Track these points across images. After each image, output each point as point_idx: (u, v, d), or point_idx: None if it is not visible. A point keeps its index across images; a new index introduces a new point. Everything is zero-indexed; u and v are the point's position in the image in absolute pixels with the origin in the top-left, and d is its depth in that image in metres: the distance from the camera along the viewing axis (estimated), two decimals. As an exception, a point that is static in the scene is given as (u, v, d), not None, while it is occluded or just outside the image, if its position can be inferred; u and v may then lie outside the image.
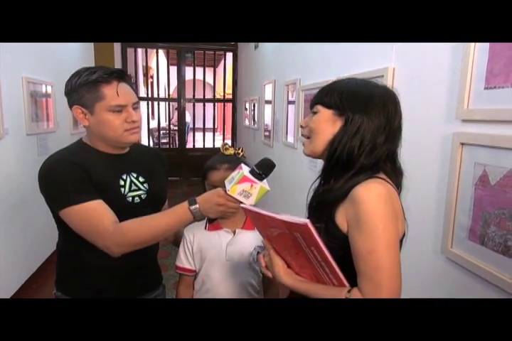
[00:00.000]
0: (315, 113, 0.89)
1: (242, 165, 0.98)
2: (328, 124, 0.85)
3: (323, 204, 0.84)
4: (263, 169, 0.96)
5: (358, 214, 0.75)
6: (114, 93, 1.05)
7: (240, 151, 1.19)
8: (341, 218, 0.80)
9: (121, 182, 1.13)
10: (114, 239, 1.00)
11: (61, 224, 1.10)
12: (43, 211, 1.10)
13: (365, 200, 0.75)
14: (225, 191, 0.96)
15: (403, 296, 1.44)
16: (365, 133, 0.82)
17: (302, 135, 0.93)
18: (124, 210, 1.07)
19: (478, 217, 1.17)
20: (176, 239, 1.36)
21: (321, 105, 0.87)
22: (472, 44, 1.16)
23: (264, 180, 0.97)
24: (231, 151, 1.19)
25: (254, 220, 0.91)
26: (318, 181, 0.92)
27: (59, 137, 3.41)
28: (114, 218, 1.03)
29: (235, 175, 0.96)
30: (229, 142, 7.16)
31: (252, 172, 0.95)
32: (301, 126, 0.93)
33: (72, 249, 1.15)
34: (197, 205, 0.99)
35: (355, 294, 0.75)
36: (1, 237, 2.44)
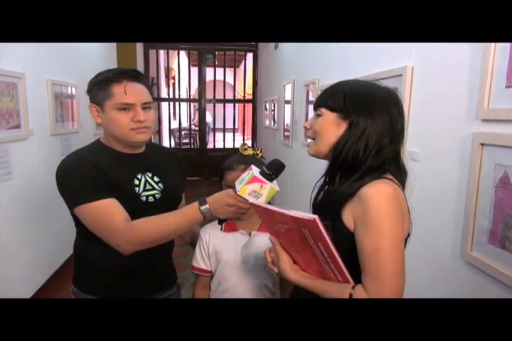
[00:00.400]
0: (319, 115, 0.89)
1: (253, 166, 0.98)
2: (332, 127, 0.86)
3: (331, 203, 0.85)
4: (273, 170, 0.96)
5: (365, 214, 0.77)
6: (122, 91, 1.08)
7: (258, 152, 1.19)
8: (348, 217, 0.81)
9: (136, 182, 1.15)
10: (125, 236, 1.02)
11: (77, 222, 1.13)
12: (66, 210, 1.12)
13: (373, 200, 0.76)
14: (235, 191, 0.96)
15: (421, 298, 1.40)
16: (369, 137, 0.83)
17: (307, 136, 0.94)
18: (138, 209, 1.09)
19: (499, 220, 1.13)
20: (192, 240, 1.37)
21: (325, 108, 0.88)
22: (493, 42, 1.13)
23: (274, 181, 0.97)
24: (250, 152, 1.19)
25: (262, 216, 0.91)
26: (322, 180, 0.93)
27: (82, 137, 3.50)
28: (125, 216, 1.05)
29: (245, 175, 0.96)
30: (249, 142, 7.19)
31: (262, 173, 0.95)
32: (306, 128, 0.93)
33: (87, 246, 1.19)
34: (207, 205, 1.00)
35: (359, 291, 0.76)
36: (26, 235, 2.53)
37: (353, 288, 0.78)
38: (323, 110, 0.88)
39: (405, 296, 0.97)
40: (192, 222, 1.04)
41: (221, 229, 1.24)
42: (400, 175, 0.88)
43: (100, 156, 1.13)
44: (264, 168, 0.97)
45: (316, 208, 0.94)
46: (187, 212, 1.03)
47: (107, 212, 1.04)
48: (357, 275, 0.79)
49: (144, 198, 1.15)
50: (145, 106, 1.12)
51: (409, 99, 1.62)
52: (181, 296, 1.46)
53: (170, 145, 7.51)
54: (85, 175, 1.06)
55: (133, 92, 1.09)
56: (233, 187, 1.01)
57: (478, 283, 1.23)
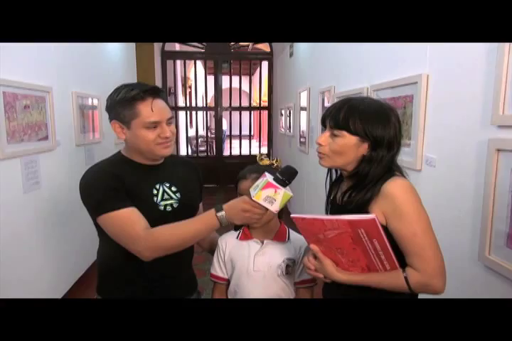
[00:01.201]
0: (336, 135, 0.97)
1: (266, 173, 1.02)
2: (353, 148, 0.97)
3: (358, 206, 0.95)
4: (286, 175, 1.00)
5: (394, 207, 0.90)
6: (149, 110, 1.10)
7: (274, 162, 1.22)
8: (378, 213, 0.91)
9: (155, 192, 1.19)
10: (145, 243, 1.06)
11: (100, 231, 1.17)
12: (89, 219, 1.18)
13: (397, 194, 0.91)
14: (251, 198, 1.00)
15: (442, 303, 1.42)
16: (387, 156, 0.97)
17: (319, 152, 1.01)
18: (157, 218, 1.12)
19: (516, 224, 1.15)
20: (211, 247, 1.39)
21: (347, 131, 0.96)
22: (507, 49, 1.16)
23: (287, 187, 1.01)
24: (266, 162, 1.22)
25: (305, 227, 0.98)
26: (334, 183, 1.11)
27: (104, 147, 3.61)
28: (145, 224, 1.08)
29: (259, 182, 1.00)
30: (265, 149, 7.24)
31: (275, 179, 0.99)
32: (320, 144, 1.00)
33: (109, 255, 1.22)
34: (223, 212, 1.04)
35: (410, 271, 0.90)
36: (52, 243, 2.62)
37: (404, 271, 0.91)
38: (345, 133, 0.96)
39: (424, 297, 1.00)
40: (209, 228, 1.08)
41: (237, 237, 1.26)
42: (401, 171, 1.00)
43: (121, 168, 1.17)
44: (277, 174, 1.00)
45: (339, 208, 1.01)
46: (204, 219, 1.08)
47: (128, 221, 1.08)
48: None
49: (162, 207, 1.19)
50: (169, 122, 1.17)
51: (424, 106, 1.66)
52: None
53: (187, 153, 7.61)
54: (107, 185, 1.11)
55: (158, 110, 1.12)
56: (246, 195, 1.04)
57: (497, 285, 1.25)
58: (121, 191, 1.11)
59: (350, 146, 0.96)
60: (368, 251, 0.91)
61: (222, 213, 1.04)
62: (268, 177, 0.99)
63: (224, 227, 1.10)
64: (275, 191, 0.97)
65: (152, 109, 1.11)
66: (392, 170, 0.98)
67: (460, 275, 1.42)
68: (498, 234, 1.23)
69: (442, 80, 1.56)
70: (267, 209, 1.00)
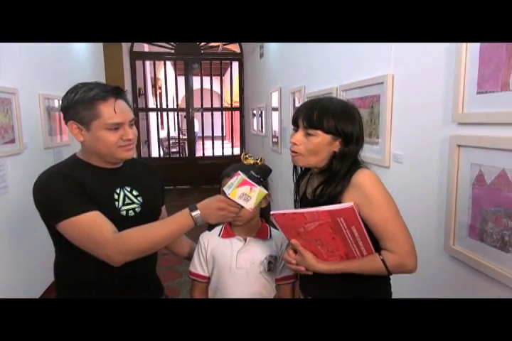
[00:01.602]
0: (310, 134, 1.02)
1: (239, 171, 1.03)
2: (326, 146, 1.03)
3: (331, 198, 1.00)
4: (261, 173, 1.03)
5: (365, 196, 0.97)
6: (111, 111, 1.05)
7: (258, 161, 1.23)
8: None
9: (115, 196, 1.14)
10: (116, 247, 1.01)
11: (57, 239, 1.11)
12: None
13: (366, 183, 0.98)
14: (226, 196, 1.01)
15: (410, 292, 1.50)
16: (355, 151, 1.04)
17: (293, 151, 1.05)
18: (119, 224, 1.07)
19: (477, 215, 1.23)
20: (189, 254, 1.37)
21: (321, 130, 1.01)
22: (464, 51, 1.24)
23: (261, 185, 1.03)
24: (250, 161, 1.22)
25: (285, 222, 1.02)
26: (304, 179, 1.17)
27: (73, 150, 3.46)
28: (112, 228, 1.04)
29: (234, 180, 1.01)
30: (238, 150, 7.26)
31: (250, 177, 1.01)
32: (295, 144, 1.04)
33: (69, 262, 1.16)
34: (198, 211, 1.02)
35: (385, 254, 0.98)
36: (21, 247, 2.55)
37: (380, 254, 0.98)
38: (319, 132, 1.01)
39: (395, 287, 1.06)
40: (184, 228, 1.05)
41: (219, 234, 1.27)
42: (364, 163, 1.07)
43: (78, 171, 1.10)
44: (252, 172, 1.02)
45: (311, 203, 1.05)
46: (178, 219, 1.05)
47: (94, 225, 1.03)
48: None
49: (124, 212, 1.14)
50: (131, 124, 1.12)
51: (391, 105, 1.73)
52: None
53: (159, 154, 7.54)
54: (66, 189, 1.04)
55: (121, 111, 1.07)
56: (221, 194, 1.06)
57: (462, 273, 1.32)
58: (82, 194, 1.05)
59: (324, 144, 1.02)
60: (347, 239, 0.98)
61: (197, 212, 1.02)
62: (242, 175, 1.00)
63: (193, 228, 1.08)
64: (251, 189, 0.99)
65: (115, 110, 1.06)
66: (358, 162, 1.05)
67: (428, 265, 1.49)
68: (461, 226, 1.31)
69: (406, 80, 1.63)
70: (242, 207, 1.02)
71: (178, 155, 7.90)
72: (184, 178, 6.52)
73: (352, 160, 1.03)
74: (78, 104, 1.06)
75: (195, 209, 1.03)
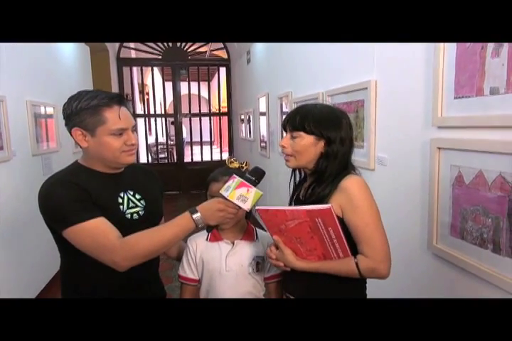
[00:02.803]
0: (295, 137, 1.09)
1: (234, 175, 1.08)
2: (311, 147, 1.08)
3: (319, 199, 1.05)
4: (256, 176, 1.08)
5: (350, 200, 1.02)
6: (116, 117, 1.10)
7: (243, 165, 1.25)
8: (335, 206, 1.00)
9: (120, 200, 1.17)
10: (122, 253, 1.04)
11: (62, 245, 1.13)
12: (48, 230, 1.14)
13: (353, 189, 1.02)
14: (225, 198, 1.06)
15: (396, 289, 1.55)
16: (341, 151, 1.08)
17: (284, 153, 1.13)
18: (124, 227, 1.10)
19: (457, 214, 1.29)
20: (178, 255, 1.40)
21: (304, 132, 1.07)
22: (441, 58, 1.30)
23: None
24: (235, 165, 1.24)
25: (268, 218, 1.06)
26: (297, 181, 1.22)
27: (62, 157, 3.53)
28: (118, 233, 1.06)
29: (231, 183, 1.06)
30: (226, 155, 7.29)
31: (246, 179, 1.06)
32: (283, 147, 1.12)
33: (74, 268, 1.18)
34: (199, 214, 1.06)
35: (360, 257, 1.01)
36: (10, 255, 2.53)
37: (355, 257, 1.01)
38: (302, 133, 1.08)
39: (380, 282, 1.10)
40: (185, 231, 1.09)
41: (207, 239, 1.29)
42: (354, 170, 1.12)
43: (82, 177, 1.13)
44: (247, 174, 1.08)
45: (302, 204, 1.09)
46: (179, 222, 1.08)
47: (100, 231, 1.05)
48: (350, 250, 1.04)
49: (128, 216, 1.17)
50: (133, 129, 1.17)
51: (374, 110, 1.79)
52: None
53: (147, 160, 7.51)
54: (72, 196, 1.07)
55: (125, 117, 1.12)
56: (217, 197, 1.10)
57: (444, 270, 1.38)
58: (88, 201, 1.08)
59: (308, 145, 1.08)
60: (324, 240, 1.02)
61: (197, 215, 1.06)
62: (238, 178, 1.06)
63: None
64: (247, 190, 1.04)
65: (119, 117, 1.10)
66: (348, 168, 1.09)
67: (413, 263, 1.55)
68: (443, 225, 1.36)
69: (388, 86, 1.70)
70: (239, 208, 1.06)
71: (166, 161, 7.89)
72: (172, 184, 6.52)
73: (340, 162, 1.07)
74: (83, 111, 1.09)
75: (196, 211, 1.07)
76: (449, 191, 1.32)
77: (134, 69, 7.01)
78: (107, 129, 1.10)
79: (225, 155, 7.39)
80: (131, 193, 1.21)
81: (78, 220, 1.04)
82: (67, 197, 1.06)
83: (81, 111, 1.09)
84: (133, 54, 7.16)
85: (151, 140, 8.02)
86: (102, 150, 1.12)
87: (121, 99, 1.15)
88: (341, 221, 1.01)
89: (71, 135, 1.14)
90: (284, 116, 3.36)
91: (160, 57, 6.54)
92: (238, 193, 1.04)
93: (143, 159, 7.39)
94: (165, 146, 8.16)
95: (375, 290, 1.19)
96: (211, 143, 7.22)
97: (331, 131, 1.07)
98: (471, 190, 1.22)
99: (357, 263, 1.00)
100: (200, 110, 7.02)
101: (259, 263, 1.26)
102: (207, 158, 7.18)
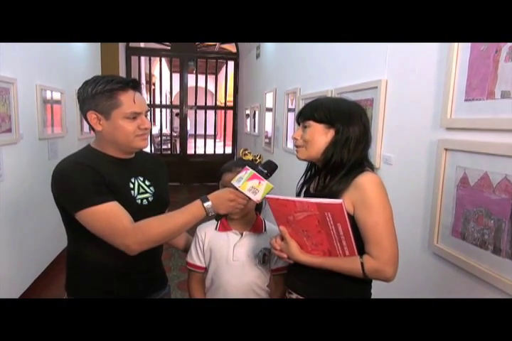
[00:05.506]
0: (306, 127, 1.08)
1: (247, 167, 1.09)
2: (321, 136, 1.07)
3: (330, 194, 1.02)
4: (268, 169, 1.10)
5: (363, 197, 0.99)
6: (131, 100, 1.11)
7: (257, 158, 1.27)
8: (347, 202, 0.99)
9: (131, 185, 1.18)
10: (134, 237, 1.05)
11: (71, 227, 1.15)
12: (53, 212, 1.15)
13: (368, 187, 0.99)
14: (236, 188, 1.08)
15: (395, 287, 1.57)
16: (352, 141, 1.05)
17: (296, 145, 1.12)
18: (135, 212, 1.11)
19: (460, 215, 1.31)
20: (185, 246, 1.43)
21: (313, 120, 1.07)
22: (454, 61, 1.31)
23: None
24: (249, 157, 1.27)
25: (277, 207, 1.06)
26: (307, 176, 1.19)
27: (67, 142, 3.54)
28: (130, 218, 1.07)
29: (243, 174, 1.08)
30: (229, 149, 7.30)
31: (258, 171, 1.08)
32: (295, 139, 1.11)
33: (83, 251, 1.19)
34: (210, 202, 1.08)
35: (366, 258, 0.99)
36: (13, 237, 2.56)
37: (361, 257, 0.99)
38: (312, 122, 1.07)
39: (379, 283, 1.12)
40: (196, 218, 1.11)
41: (216, 228, 1.31)
42: (372, 169, 1.09)
43: (96, 161, 1.14)
44: (260, 167, 1.10)
45: (312, 197, 1.08)
46: (191, 209, 1.09)
47: (114, 214, 1.06)
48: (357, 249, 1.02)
49: (139, 201, 1.18)
50: (146, 115, 1.19)
51: (383, 109, 1.80)
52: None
53: (151, 151, 7.52)
54: (88, 178, 1.08)
55: (139, 102, 1.14)
56: (229, 187, 1.12)
57: (444, 270, 1.40)
58: (102, 184, 1.09)
59: (318, 134, 1.07)
60: (332, 235, 1.00)
61: (208, 203, 1.07)
62: (251, 170, 1.08)
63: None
64: (259, 182, 1.06)
65: (134, 101, 1.12)
66: (363, 165, 1.06)
67: (413, 262, 1.57)
68: (445, 225, 1.38)
69: (398, 86, 1.71)
70: (249, 199, 1.08)
71: (169, 152, 7.91)
72: (174, 175, 6.54)
73: (351, 152, 1.04)
74: (98, 95, 1.11)
75: (207, 200, 1.08)
76: (453, 192, 1.34)
77: (142, 58, 7.03)
78: (121, 112, 1.12)
79: (228, 149, 7.40)
80: (142, 179, 1.22)
81: (93, 203, 1.05)
82: (82, 180, 1.07)
83: (96, 95, 1.11)
84: (142, 43, 7.16)
85: (155, 130, 8.01)
86: (116, 133, 1.13)
87: (136, 84, 1.17)
88: (352, 219, 1.00)
89: (85, 119, 1.16)
90: (290, 113, 3.39)
91: (169, 48, 6.53)
92: (250, 185, 1.06)
93: (146, 149, 7.39)
94: (168, 137, 8.17)
95: (373, 289, 1.21)
96: (215, 137, 7.22)
97: (340, 119, 1.05)
98: (475, 192, 1.24)
99: (362, 263, 0.98)
100: (205, 103, 7.02)
101: (265, 255, 1.28)
102: (210, 151, 7.19)
